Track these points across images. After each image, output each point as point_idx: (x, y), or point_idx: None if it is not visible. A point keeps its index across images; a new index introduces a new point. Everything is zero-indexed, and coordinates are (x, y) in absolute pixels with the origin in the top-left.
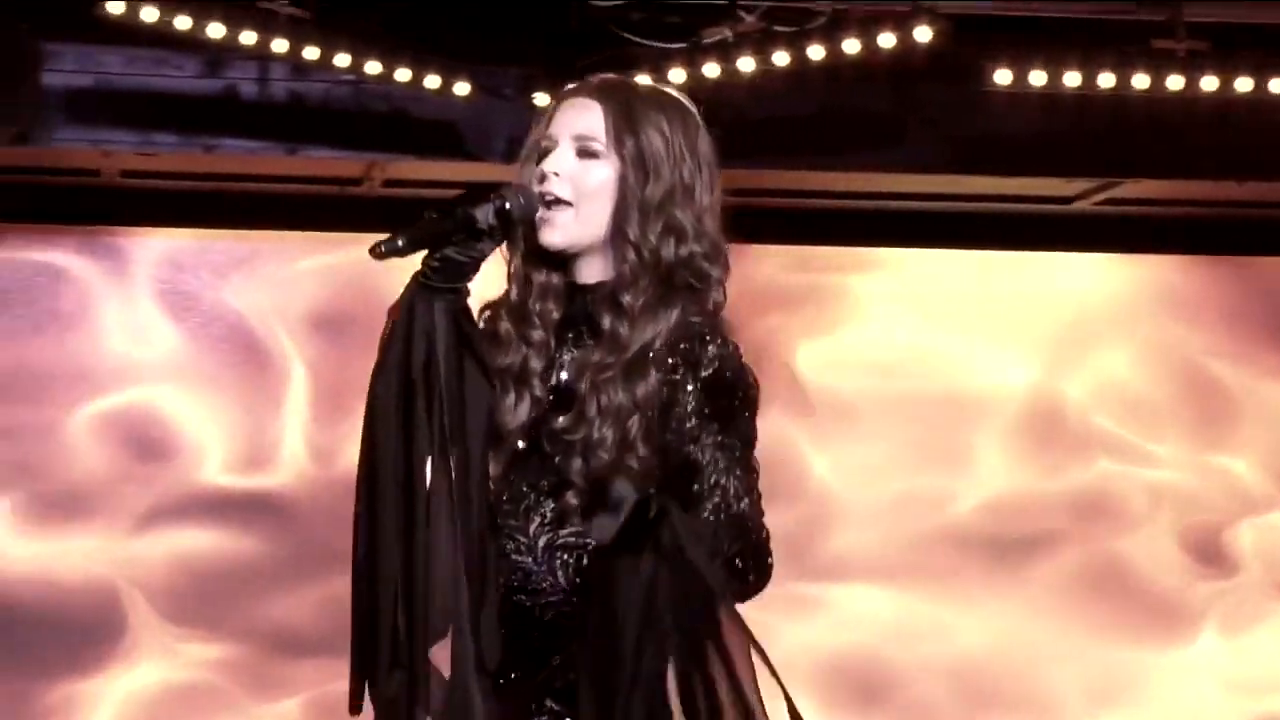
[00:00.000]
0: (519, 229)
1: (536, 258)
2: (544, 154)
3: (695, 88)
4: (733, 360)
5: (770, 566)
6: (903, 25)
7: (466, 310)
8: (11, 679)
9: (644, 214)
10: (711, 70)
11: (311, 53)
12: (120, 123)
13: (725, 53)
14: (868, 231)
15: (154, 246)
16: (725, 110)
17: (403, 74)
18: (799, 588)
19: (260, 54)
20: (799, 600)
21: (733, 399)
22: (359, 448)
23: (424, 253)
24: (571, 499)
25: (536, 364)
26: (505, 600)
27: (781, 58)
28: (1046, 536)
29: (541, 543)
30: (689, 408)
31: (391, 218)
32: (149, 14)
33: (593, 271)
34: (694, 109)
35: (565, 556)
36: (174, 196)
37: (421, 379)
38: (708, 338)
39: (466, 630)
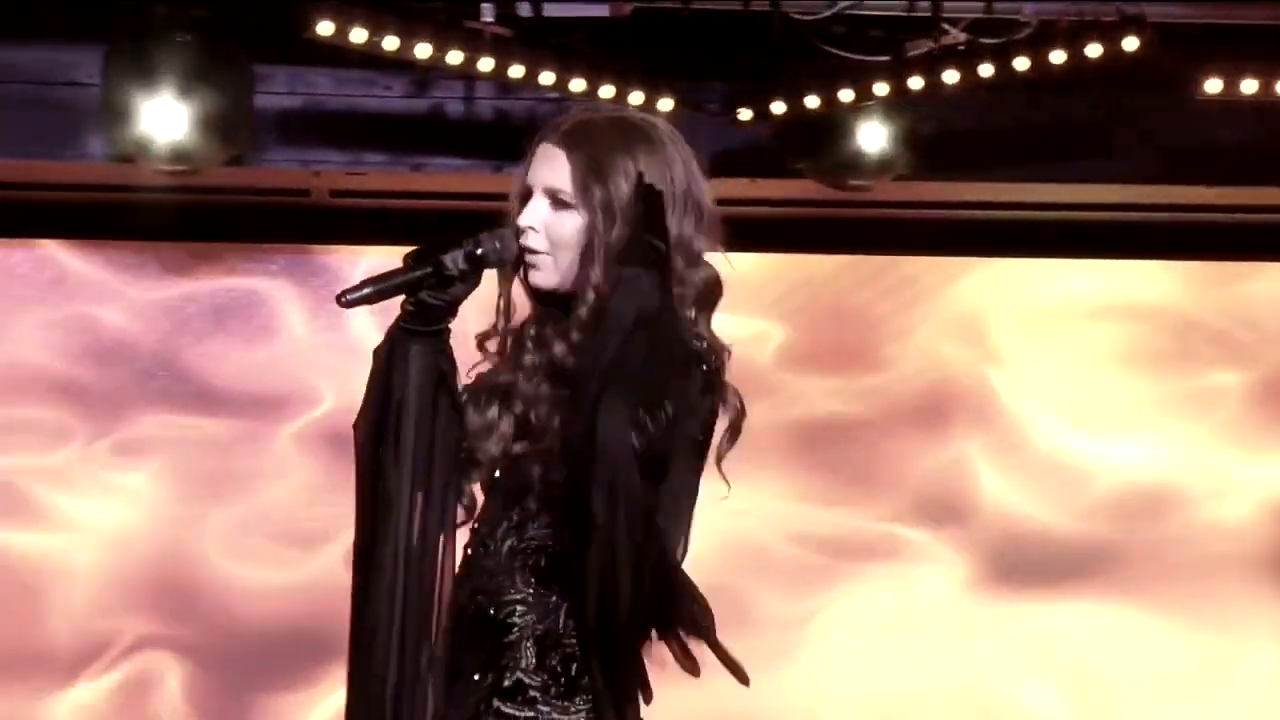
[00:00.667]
0: (509, 268)
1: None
2: (525, 198)
3: (899, 101)
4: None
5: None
6: (1109, 35)
7: (446, 352)
8: (228, 691)
9: (608, 261)
10: (915, 83)
11: (516, 71)
12: (330, 143)
13: (929, 65)
14: (1076, 243)
15: (363, 265)
16: (929, 123)
17: (606, 90)
18: (1000, 605)
19: (466, 73)
20: (1002, 616)
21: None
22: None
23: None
24: (530, 504)
25: (525, 387)
26: (470, 602)
27: (986, 69)
28: (1256, 545)
29: (505, 547)
30: None
31: None
32: (358, 35)
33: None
34: (670, 134)
35: (526, 559)
36: (382, 215)
37: (393, 423)
38: None
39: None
